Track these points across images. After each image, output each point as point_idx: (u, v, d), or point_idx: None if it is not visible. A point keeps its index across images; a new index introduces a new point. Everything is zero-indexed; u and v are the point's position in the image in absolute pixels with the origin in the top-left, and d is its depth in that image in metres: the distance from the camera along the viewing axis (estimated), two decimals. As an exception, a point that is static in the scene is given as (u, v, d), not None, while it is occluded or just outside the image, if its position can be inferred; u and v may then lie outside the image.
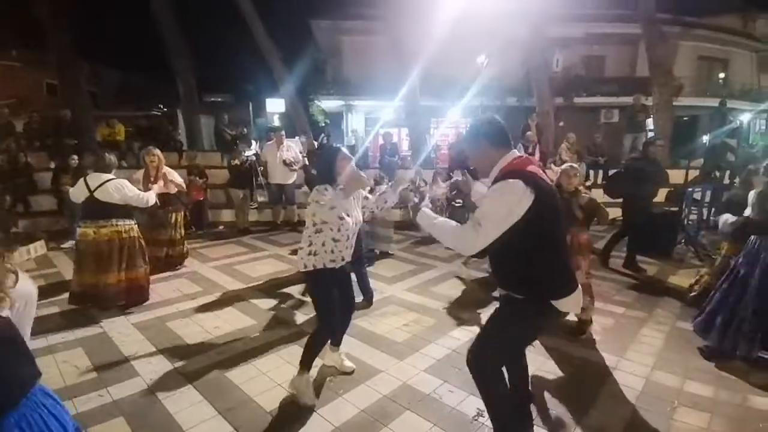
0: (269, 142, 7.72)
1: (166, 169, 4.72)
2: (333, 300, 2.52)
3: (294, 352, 3.07)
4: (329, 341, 2.77)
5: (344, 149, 2.52)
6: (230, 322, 3.74)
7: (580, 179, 3.51)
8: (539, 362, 3.03)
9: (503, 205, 1.61)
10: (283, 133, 7.70)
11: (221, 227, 7.89)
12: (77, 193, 3.89)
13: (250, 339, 3.40)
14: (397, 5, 9.93)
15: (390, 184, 2.62)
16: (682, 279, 4.89)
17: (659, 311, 3.99)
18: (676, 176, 8.66)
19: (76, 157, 6.73)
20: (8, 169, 7.16)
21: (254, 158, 7.74)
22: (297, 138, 10.13)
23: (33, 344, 3.20)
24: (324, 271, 2.45)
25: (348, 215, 2.38)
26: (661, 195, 7.76)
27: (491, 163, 1.79)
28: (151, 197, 4.06)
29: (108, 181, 3.81)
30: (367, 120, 16.66)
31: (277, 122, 15.07)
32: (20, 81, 15.35)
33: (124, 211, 3.96)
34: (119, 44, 19.82)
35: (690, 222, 6.47)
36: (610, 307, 4.08)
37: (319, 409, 2.47)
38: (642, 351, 3.21)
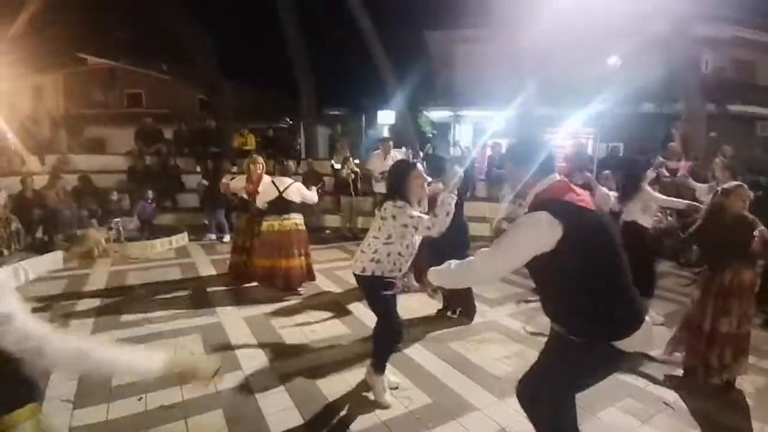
0: (375, 152, 7.88)
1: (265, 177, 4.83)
2: (395, 303, 2.56)
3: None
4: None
5: (420, 167, 2.51)
6: (326, 328, 3.78)
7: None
8: (678, 429, 2.43)
9: (521, 239, 1.53)
10: (391, 143, 7.78)
11: (327, 231, 8.27)
12: (266, 193, 4.56)
13: (343, 348, 3.38)
14: (516, 8, 9.39)
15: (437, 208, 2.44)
16: None
17: None
18: None
19: (209, 161, 7.73)
20: (158, 169, 8.53)
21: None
22: (403, 149, 10.20)
23: (160, 326, 3.66)
24: (383, 279, 2.47)
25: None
26: None
27: (528, 187, 1.65)
28: (315, 196, 4.66)
29: (292, 184, 4.50)
30: (476, 131, 16.15)
31: (386, 133, 15.53)
32: (173, 94, 18.05)
33: (299, 207, 4.64)
34: (256, 65, 22.44)
35: None
36: (766, 363, 3.18)
37: (406, 440, 2.28)
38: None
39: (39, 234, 6.80)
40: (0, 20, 9.06)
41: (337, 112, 20.98)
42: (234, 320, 3.89)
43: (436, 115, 16.37)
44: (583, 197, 1.57)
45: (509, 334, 3.71)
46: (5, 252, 5.44)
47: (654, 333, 1.61)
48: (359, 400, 2.64)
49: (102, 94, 20.16)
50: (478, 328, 3.80)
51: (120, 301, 4.37)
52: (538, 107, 10.60)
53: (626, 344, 1.50)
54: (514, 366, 3.12)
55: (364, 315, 4.08)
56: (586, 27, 9.86)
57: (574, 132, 13.41)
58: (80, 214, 7.25)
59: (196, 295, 4.56)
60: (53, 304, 4.20)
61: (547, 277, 1.58)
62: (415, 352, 3.31)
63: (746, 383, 2.89)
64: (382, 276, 2.46)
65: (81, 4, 11.84)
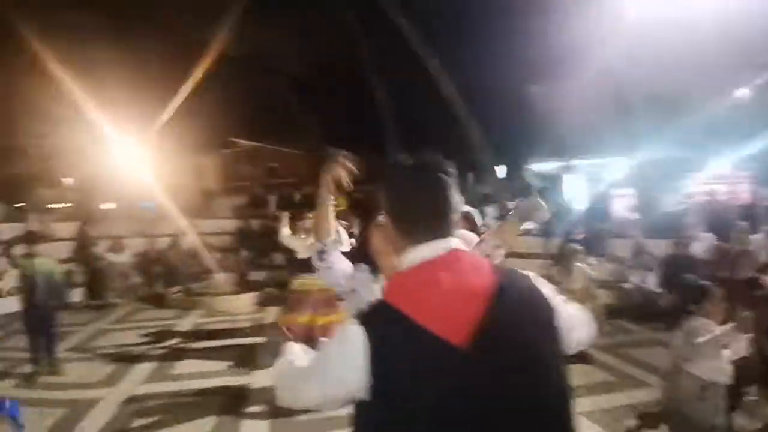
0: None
1: None
2: None
3: None
4: None
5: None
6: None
7: None
8: None
9: (334, 361, 0.91)
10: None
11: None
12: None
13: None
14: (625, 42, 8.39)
15: None
16: None
17: None
18: None
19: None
20: (260, 231, 9.54)
21: None
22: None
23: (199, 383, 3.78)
24: None
25: None
26: None
27: (389, 259, 1.09)
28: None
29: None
30: (591, 181, 14.53)
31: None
32: (301, 166, 20.69)
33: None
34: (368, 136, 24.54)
35: None
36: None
37: None
38: None
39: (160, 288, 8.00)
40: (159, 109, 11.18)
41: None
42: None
43: (545, 166, 15.35)
44: (454, 296, 0.85)
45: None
46: (119, 301, 6.53)
47: None
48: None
49: (248, 170, 24.55)
50: None
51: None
52: (668, 148, 9.12)
53: None
54: None
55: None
56: (712, 53, 8.29)
57: (719, 177, 10.96)
58: (193, 271, 8.44)
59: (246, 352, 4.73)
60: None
61: None
62: None
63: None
64: None
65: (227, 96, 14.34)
